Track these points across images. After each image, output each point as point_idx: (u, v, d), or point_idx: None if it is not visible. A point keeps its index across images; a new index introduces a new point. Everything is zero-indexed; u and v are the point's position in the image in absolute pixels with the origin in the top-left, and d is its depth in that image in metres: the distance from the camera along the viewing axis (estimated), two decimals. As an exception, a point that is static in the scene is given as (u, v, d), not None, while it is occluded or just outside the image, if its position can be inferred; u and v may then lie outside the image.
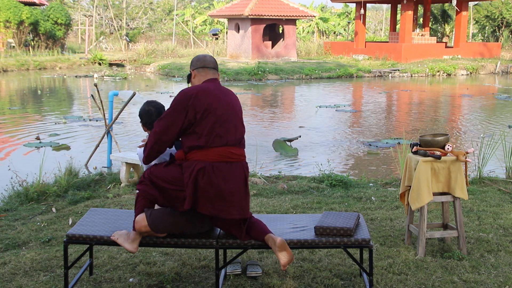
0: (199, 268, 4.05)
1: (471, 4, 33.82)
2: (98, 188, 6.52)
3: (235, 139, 3.44)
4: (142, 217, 3.46)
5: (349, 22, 40.67)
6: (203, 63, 3.55)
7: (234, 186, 3.40)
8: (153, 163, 3.65)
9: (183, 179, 3.38)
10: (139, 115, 3.82)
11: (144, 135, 4.07)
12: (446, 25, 36.23)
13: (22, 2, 29.48)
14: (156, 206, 3.61)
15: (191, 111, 3.34)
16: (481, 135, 9.45)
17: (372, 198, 5.96)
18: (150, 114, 3.77)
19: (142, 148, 3.65)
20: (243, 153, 3.52)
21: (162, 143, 3.43)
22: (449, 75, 25.04)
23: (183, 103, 3.36)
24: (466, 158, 4.22)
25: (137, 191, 3.55)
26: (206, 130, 3.35)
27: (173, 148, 3.60)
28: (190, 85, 3.61)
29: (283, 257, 3.38)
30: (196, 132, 3.36)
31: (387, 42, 29.88)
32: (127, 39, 31.11)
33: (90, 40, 34.29)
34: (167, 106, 3.68)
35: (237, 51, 27.64)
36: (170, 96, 17.11)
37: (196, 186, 3.34)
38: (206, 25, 42.19)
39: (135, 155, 6.89)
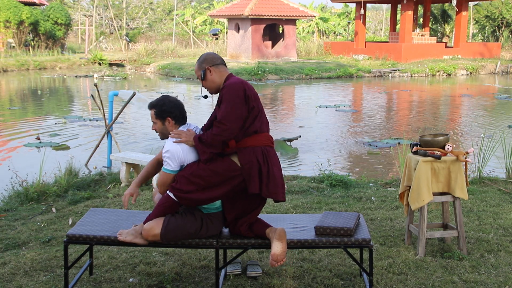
0: (199, 268, 4.05)
1: (471, 4, 33.82)
2: (98, 188, 6.52)
3: (269, 127, 3.63)
4: (152, 225, 3.44)
5: (349, 22, 40.67)
6: (221, 60, 3.64)
7: (279, 169, 3.57)
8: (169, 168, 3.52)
9: (233, 167, 3.44)
10: (169, 108, 3.57)
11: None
12: (446, 25, 36.23)
13: (22, 2, 29.47)
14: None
15: (248, 100, 3.45)
16: (481, 135, 9.45)
17: (372, 198, 5.96)
18: (181, 106, 3.64)
19: (173, 140, 3.51)
20: None
21: (228, 140, 3.45)
22: (449, 75, 25.04)
23: (241, 94, 3.43)
24: (466, 158, 4.22)
25: (169, 193, 3.44)
26: (258, 117, 3.51)
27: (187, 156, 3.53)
28: (203, 83, 3.60)
29: (276, 247, 3.38)
30: (249, 121, 3.47)
31: (387, 42, 29.88)
32: (127, 39, 31.09)
33: (90, 40, 34.29)
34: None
35: (237, 51, 27.64)
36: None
37: (258, 170, 3.45)
38: (206, 25, 42.20)
39: (135, 155, 6.88)
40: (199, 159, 3.50)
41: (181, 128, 3.61)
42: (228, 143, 3.46)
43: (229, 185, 3.46)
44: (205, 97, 3.70)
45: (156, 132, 3.66)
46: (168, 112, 3.58)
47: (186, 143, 3.49)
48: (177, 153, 3.46)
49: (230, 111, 3.39)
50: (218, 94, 3.60)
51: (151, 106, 3.63)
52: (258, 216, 3.67)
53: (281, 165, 3.67)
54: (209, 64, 3.57)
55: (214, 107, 3.63)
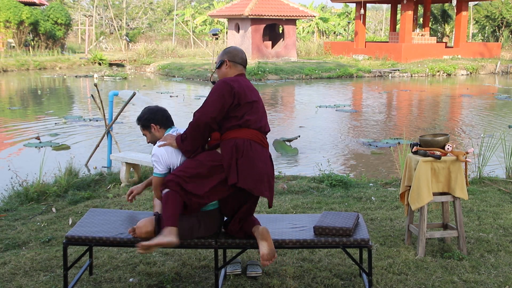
0: (199, 268, 4.05)
1: (471, 4, 33.81)
2: (98, 188, 6.52)
3: (265, 130, 3.65)
4: (145, 223, 3.43)
5: (349, 22, 40.67)
6: (242, 61, 3.70)
7: (266, 167, 3.55)
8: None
9: (217, 158, 3.46)
10: (150, 115, 3.71)
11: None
12: (446, 25, 36.23)
13: (22, 2, 29.47)
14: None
15: (233, 96, 3.49)
16: (481, 135, 9.45)
17: (372, 198, 5.96)
18: (163, 110, 3.77)
19: (158, 144, 3.60)
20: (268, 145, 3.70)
21: (205, 129, 3.48)
22: (449, 75, 25.04)
23: (227, 89, 3.49)
24: (466, 158, 4.22)
25: (166, 191, 3.40)
26: (244, 113, 3.52)
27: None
28: (216, 71, 3.73)
29: (263, 247, 3.39)
30: (235, 115, 3.50)
31: (387, 42, 29.87)
32: (127, 39, 31.08)
33: (90, 40, 34.29)
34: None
35: (237, 51, 27.61)
36: (171, 96, 17.14)
37: (236, 160, 3.45)
38: (206, 25, 42.20)
39: (135, 155, 6.89)
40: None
41: (170, 131, 3.69)
42: (211, 135, 3.53)
43: (217, 177, 3.46)
44: (213, 82, 3.78)
45: (152, 143, 3.74)
46: (150, 119, 3.71)
47: (170, 145, 3.57)
48: (162, 156, 3.54)
49: (208, 101, 3.50)
50: None
51: (137, 121, 3.78)
52: (253, 216, 3.64)
53: (273, 164, 3.68)
54: (229, 58, 3.68)
55: None
